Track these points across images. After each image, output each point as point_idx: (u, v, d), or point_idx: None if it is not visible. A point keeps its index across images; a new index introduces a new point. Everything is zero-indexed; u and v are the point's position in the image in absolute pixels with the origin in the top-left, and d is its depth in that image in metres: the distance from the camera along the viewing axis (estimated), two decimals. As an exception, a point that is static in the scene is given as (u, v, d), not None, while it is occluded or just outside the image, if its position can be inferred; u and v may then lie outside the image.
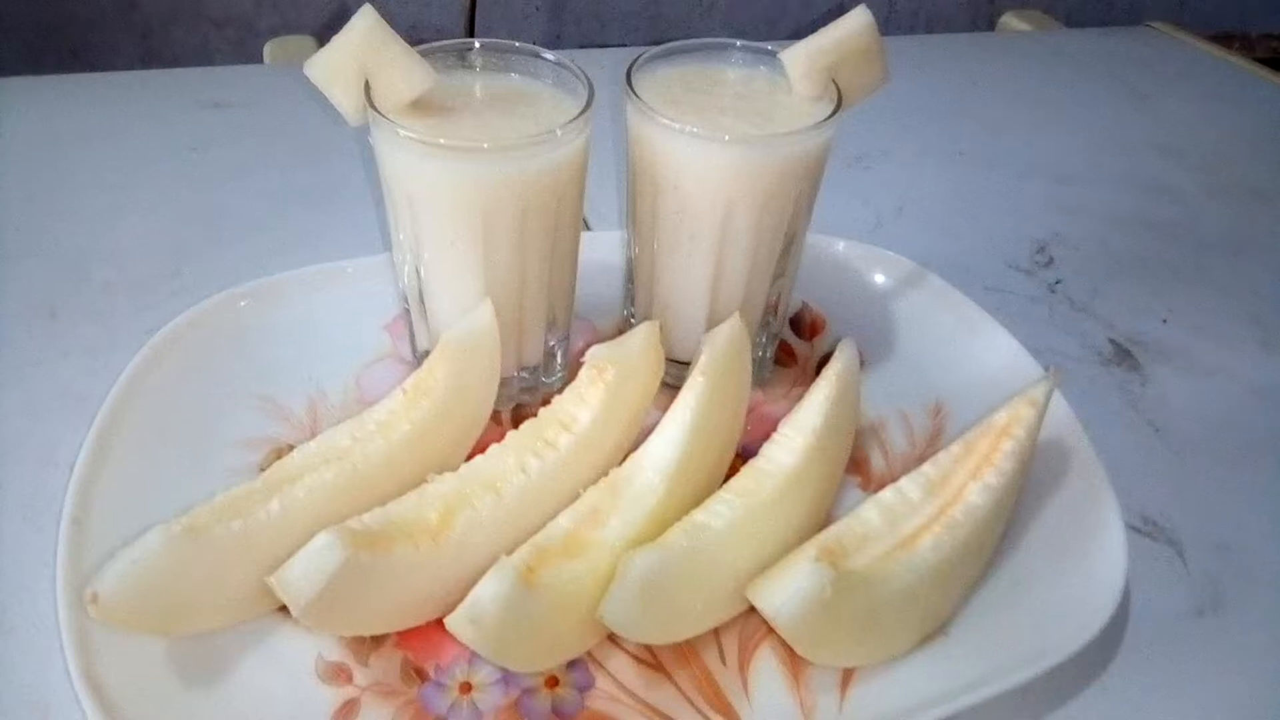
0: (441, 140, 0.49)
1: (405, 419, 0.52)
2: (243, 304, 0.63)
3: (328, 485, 0.48)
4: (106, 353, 0.64)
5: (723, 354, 0.54)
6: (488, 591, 0.42)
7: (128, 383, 0.57)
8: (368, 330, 0.65)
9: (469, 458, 0.52)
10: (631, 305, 0.65)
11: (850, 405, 0.57)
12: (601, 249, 0.70)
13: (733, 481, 0.51)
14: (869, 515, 0.50)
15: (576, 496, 0.50)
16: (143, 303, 0.69)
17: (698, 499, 0.51)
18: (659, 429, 0.52)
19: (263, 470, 0.54)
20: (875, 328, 0.69)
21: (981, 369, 0.65)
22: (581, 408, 0.53)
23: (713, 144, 0.52)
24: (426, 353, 0.59)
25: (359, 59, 0.51)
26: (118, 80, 0.99)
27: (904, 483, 0.52)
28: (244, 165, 0.85)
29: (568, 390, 0.54)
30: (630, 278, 0.64)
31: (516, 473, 0.50)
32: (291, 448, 0.54)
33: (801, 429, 0.53)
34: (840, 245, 0.73)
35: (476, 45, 0.56)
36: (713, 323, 0.58)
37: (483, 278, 0.54)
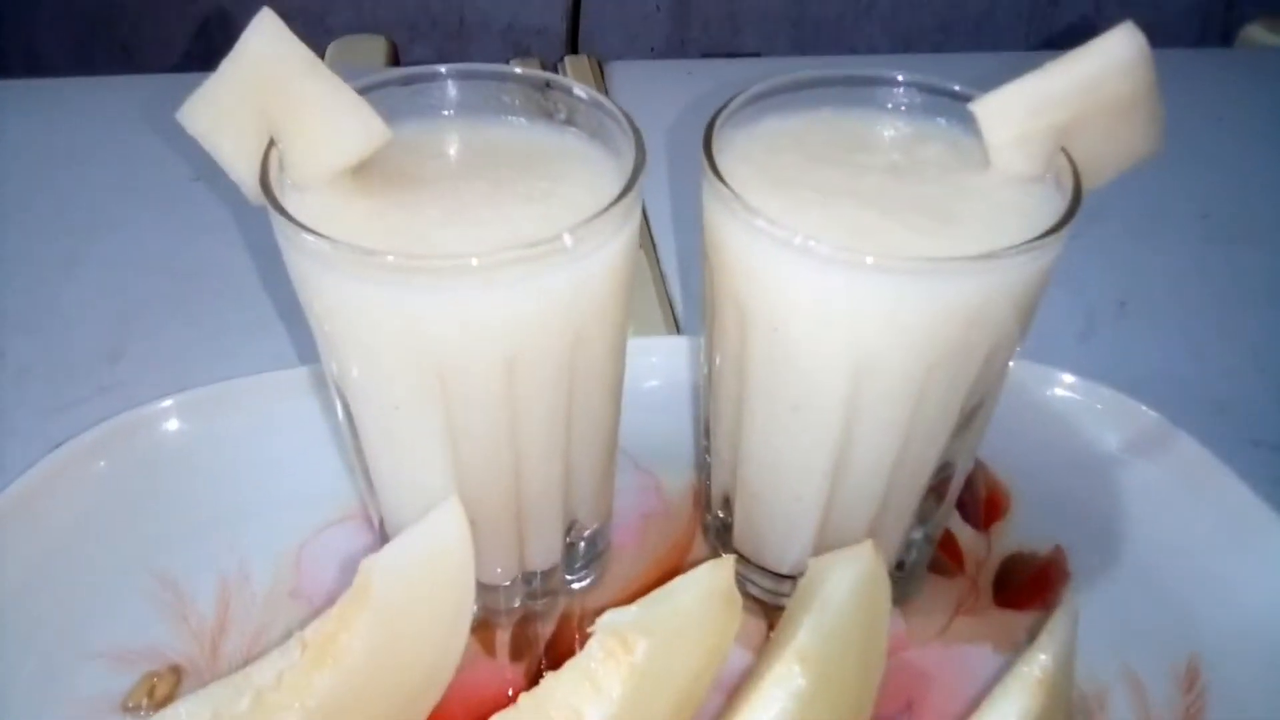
0: (389, 256, 0.28)
1: (296, 697, 0.31)
2: (146, 431, 0.44)
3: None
4: (-10, 476, 0.46)
5: (838, 616, 0.32)
6: None
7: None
8: (326, 473, 0.45)
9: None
10: (708, 441, 0.42)
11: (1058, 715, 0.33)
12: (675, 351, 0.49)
13: None
14: None
15: None
16: (61, 400, 0.51)
17: None
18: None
19: (127, 709, 0.36)
20: (1088, 518, 0.45)
21: (1264, 602, 0.41)
22: (591, 702, 0.31)
23: (845, 270, 0.29)
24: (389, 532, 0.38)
25: (258, 99, 0.31)
26: (138, 84, 0.82)
27: None
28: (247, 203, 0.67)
29: (568, 668, 0.32)
30: (707, 427, 0.41)
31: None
32: (177, 671, 0.37)
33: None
34: (1042, 380, 0.48)
35: (453, 72, 0.35)
36: (828, 530, 0.36)
37: (447, 464, 0.33)
